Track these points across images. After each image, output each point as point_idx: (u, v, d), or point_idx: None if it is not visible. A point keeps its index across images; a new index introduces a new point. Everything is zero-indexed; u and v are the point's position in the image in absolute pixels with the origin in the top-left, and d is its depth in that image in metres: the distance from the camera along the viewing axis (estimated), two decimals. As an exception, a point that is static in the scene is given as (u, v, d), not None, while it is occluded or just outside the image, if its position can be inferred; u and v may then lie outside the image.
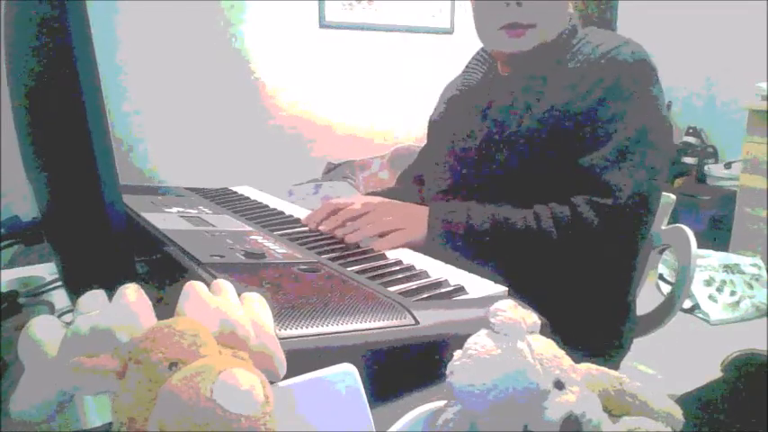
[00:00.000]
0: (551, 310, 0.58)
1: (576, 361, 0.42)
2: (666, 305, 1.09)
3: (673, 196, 1.12)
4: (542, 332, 0.42)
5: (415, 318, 0.55)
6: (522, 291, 0.65)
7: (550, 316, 0.52)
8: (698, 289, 2.54)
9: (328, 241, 0.86)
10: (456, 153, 1.05)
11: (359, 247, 0.84)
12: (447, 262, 0.78)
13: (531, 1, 0.94)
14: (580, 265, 0.88)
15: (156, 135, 2.68)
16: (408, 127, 3.18)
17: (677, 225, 1.08)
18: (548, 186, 0.90)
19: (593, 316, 0.93)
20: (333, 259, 0.76)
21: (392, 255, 0.82)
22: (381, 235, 0.86)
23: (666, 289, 2.56)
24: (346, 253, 0.80)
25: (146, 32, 2.59)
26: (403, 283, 0.68)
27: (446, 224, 0.89)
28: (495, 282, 0.69)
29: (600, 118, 0.89)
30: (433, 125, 1.19)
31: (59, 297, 0.81)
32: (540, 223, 0.87)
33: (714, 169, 3.25)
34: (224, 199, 1.15)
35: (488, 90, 1.05)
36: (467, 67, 1.16)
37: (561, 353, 0.41)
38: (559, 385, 0.39)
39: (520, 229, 0.87)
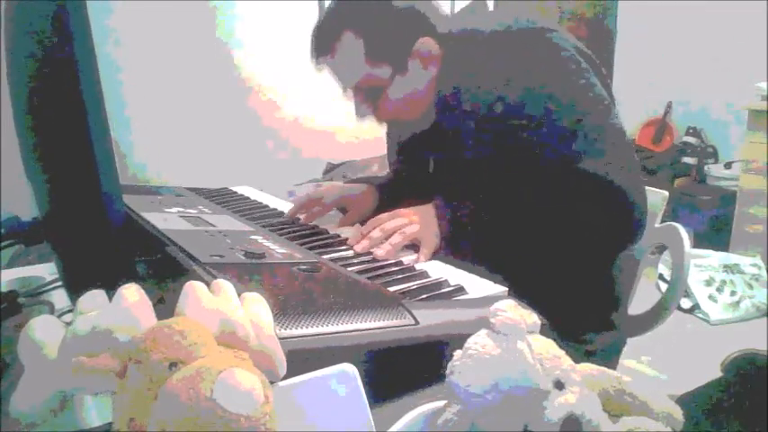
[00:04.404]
0: (545, 303, 0.58)
1: (576, 361, 0.43)
2: (662, 303, 1.09)
3: (665, 193, 1.11)
4: (542, 332, 0.42)
5: (415, 318, 0.55)
6: (522, 290, 0.65)
7: (544, 310, 0.52)
8: (698, 289, 2.54)
9: (328, 241, 0.86)
10: (411, 181, 1.06)
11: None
12: (447, 262, 0.78)
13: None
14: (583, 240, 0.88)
15: (156, 136, 2.68)
16: (408, 127, 3.18)
17: (671, 223, 1.07)
18: (507, 188, 0.90)
19: (582, 302, 0.93)
20: (333, 259, 0.76)
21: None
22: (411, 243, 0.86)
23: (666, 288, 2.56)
24: (346, 253, 0.80)
25: (146, 33, 2.59)
26: (403, 283, 0.68)
27: (453, 225, 0.88)
28: (496, 282, 0.69)
29: (526, 109, 0.87)
30: (388, 151, 1.20)
31: (59, 297, 0.81)
32: (542, 215, 0.87)
33: (714, 169, 3.25)
34: (224, 199, 1.15)
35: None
36: None
37: (561, 353, 0.41)
38: (559, 385, 0.39)
39: (522, 225, 0.88)
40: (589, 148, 0.85)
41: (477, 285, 0.68)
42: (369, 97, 0.95)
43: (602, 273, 1.00)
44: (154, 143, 2.68)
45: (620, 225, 0.88)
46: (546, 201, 0.87)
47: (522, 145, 0.88)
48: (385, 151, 1.22)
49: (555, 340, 0.42)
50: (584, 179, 0.85)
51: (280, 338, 0.40)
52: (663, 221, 1.11)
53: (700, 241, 2.89)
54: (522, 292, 0.62)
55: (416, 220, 0.86)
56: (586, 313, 0.96)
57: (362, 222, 0.92)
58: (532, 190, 0.88)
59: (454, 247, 0.86)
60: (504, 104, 0.88)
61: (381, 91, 0.94)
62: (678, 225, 1.06)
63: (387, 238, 0.83)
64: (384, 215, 0.88)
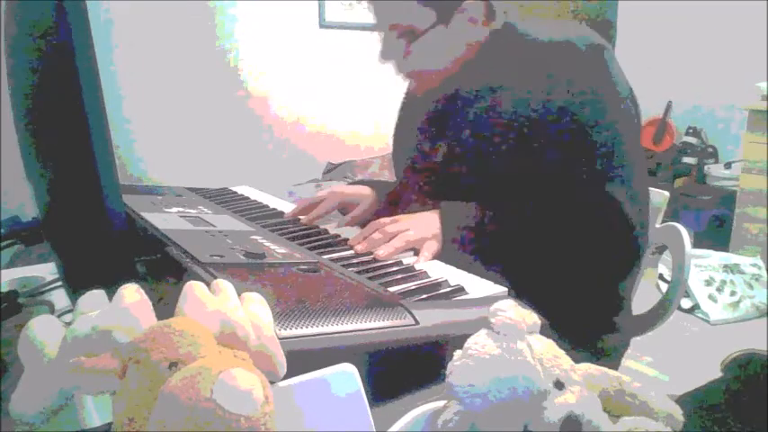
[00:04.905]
0: (549, 306, 0.58)
1: (577, 361, 0.42)
2: (663, 303, 1.09)
3: (666, 193, 1.12)
4: (542, 332, 0.42)
5: (414, 318, 0.55)
6: (523, 290, 0.65)
7: (548, 312, 0.52)
8: (698, 289, 2.54)
9: (328, 241, 0.86)
10: (418, 170, 1.04)
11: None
12: (447, 262, 0.78)
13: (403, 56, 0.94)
14: (586, 270, 0.89)
15: (156, 136, 2.68)
16: (408, 127, 3.17)
17: (671, 223, 1.07)
18: (516, 192, 0.90)
19: (588, 308, 0.93)
20: (333, 259, 0.76)
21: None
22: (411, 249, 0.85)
23: (666, 288, 2.56)
24: (346, 253, 0.80)
25: (146, 34, 2.59)
26: (403, 283, 0.68)
27: (459, 236, 0.88)
28: (496, 282, 0.69)
29: (569, 121, 0.87)
30: (395, 139, 1.18)
31: (59, 297, 0.81)
32: (552, 234, 0.87)
33: (714, 169, 3.25)
34: (224, 199, 1.15)
35: (441, 102, 1.02)
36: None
37: (561, 353, 0.41)
38: (559, 385, 0.39)
39: (532, 243, 0.88)
40: (612, 171, 0.87)
41: (477, 285, 0.68)
42: (403, 40, 0.94)
43: (606, 278, 1.00)
44: (154, 143, 2.68)
45: (618, 250, 0.90)
46: (554, 213, 0.87)
47: (545, 153, 0.88)
48: (384, 152, 1.21)
49: (557, 341, 0.42)
50: (598, 200, 0.86)
51: (280, 338, 0.40)
52: (663, 221, 1.12)
53: (700, 241, 2.89)
54: (526, 294, 0.61)
55: (417, 225, 0.86)
56: (591, 316, 0.95)
57: (363, 225, 0.92)
58: (543, 200, 0.88)
59: (458, 250, 0.86)
60: (543, 111, 0.87)
61: (416, 37, 0.92)
62: (679, 225, 1.06)
63: (387, 241, 0.83)
64: (386, 218, 0.88)
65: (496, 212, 0.89)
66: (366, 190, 1.08)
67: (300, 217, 1.01)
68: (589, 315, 0.94)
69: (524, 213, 0.89)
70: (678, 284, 1.06)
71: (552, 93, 0.87)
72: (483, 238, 0.87)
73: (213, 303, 0.39)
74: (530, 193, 0.88)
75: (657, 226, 1.10)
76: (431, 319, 0.55)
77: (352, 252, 0.81)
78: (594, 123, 0.87)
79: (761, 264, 2.68)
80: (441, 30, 0.92)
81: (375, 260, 0.78)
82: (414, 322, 0.54)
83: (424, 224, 0.87)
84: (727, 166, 3.19)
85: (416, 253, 0.83)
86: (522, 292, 0.67)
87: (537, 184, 0.88)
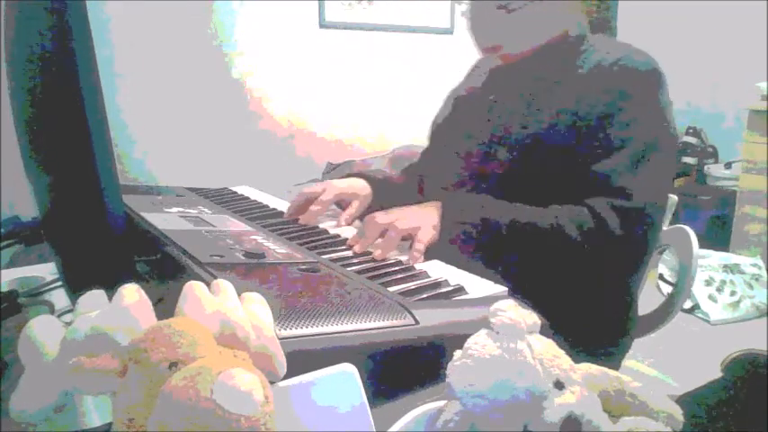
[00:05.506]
0: (553, 307, 0.58)
1: (577, 361, 0.42)
2: (667, 305, 1.09)
3: (674, 197, 1.12)
4: (542, 332, 0.42)
5: (414, 318, 0.55)
6: (524, 290, 0.65)
7: (552, 313, 0.52)
8: (698, 289, 2.54)
9: (328, 241, 0.86)
10: (460, 153, 1.05)
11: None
12: (447, 262, 0.78)
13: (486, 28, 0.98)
14: (593, 267, 0.88)
15: (156, 136, 2.68)
16: (408, 127, 3.18)
17: (679, 225, 1.08)
18: (550, 188, 0.90)
19: (595, 311, 0.93)
20: (333, 259, 0.76)
21: (391, 254, 0.81)
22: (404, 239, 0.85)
23: (667, 289, 2.56)
24: (346, 253, 0.80)
25: (145, 35, 2.59)
26: (403, 283, 0.68)
27: (461, 225, 0.88)
28: (496, 282, 0.69)
29: (612, 125, 0.90)
30: (438, 128, 1.19)
31: (59, 297, 0.81)
32: (560, 224, 0.87)
33: (714, 169, 3.25)
34: (224, 199, 1.15)
35: (494, 90, 1.05)
36: (473, 68, 1.17)
37: (561, 353, 0.41)
38: (559, 385, 0.39)
39: (540, 229, 0.87)
40: (641, 181, 0.87)
41: (477, 285, 0.68)
42: (497, 8, 0.96)
43: (611, 280, 1.00)
44: (154, 143, 2.68)
45: (624, 256, 0.90)
46: (567, 220, 0.87)
47: (581, 161, 0.89)
48: (384, 151, 1.21)
49: (558, 342, 0.42)
50: (610, 205, 0.87)
51: (280, 339, 0.40)
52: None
53: (700, 241, 2.88)
54: (527, 294, 0.61)
55: (412, 215, 0.86)
56: (596, 317, 0.95)
57: (362, 219, 0.92)
58: (554, 200, 0.89)
59: (458, 245, 0.86)
60: (591, 116, 0.90)
61: (509, 12, 0.95)
62: (687, 228, 1.07)
63: (382, 236, 0.83)
64: (379, 213, 0.88)
65: (500, 208, 0.89)
66: (364, 189, 1.08)
67: (299, 216, 1.01)
68: (594, 316, 0.94)
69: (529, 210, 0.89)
70: (684, 286, 1.06)
71: (607, 103, 0.91)
72: (483, 234, 0.87)
73: (213, 303, 0.39)
74: (561, 193, 0.89)
75: (665, 228, 1.11)
76: (431, 319, 0.55)
77: (351, 252, 0.81)
78: (632, 131, 0.90)
79: (761, 264, 2.68)
80: (535, 8, 0.95)
81: (375, 260, 0.78)
82: (414, 322, 0.54)
83: (420, 214, 0.87)
84: (728, 166, 3.19)
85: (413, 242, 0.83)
86: (522, 292, 0.67)
87: (572, 186, 0.89)
